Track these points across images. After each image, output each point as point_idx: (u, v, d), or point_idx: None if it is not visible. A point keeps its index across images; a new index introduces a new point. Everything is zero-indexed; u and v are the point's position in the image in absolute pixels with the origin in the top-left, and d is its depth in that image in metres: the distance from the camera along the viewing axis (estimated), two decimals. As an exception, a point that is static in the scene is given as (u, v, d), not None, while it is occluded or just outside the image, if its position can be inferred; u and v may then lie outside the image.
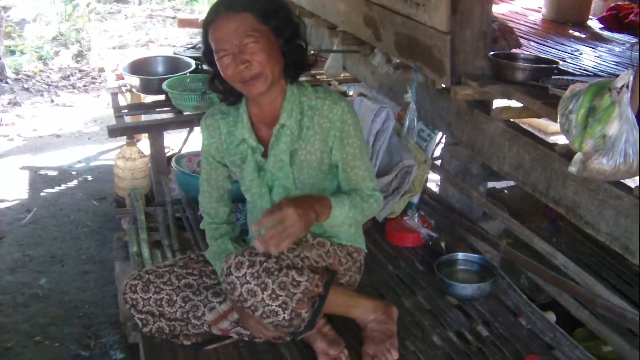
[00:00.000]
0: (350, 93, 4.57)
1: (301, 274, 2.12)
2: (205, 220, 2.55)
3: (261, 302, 2.06)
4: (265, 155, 2.31)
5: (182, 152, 4.36)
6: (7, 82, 7.35)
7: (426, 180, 3.41)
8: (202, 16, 6.74)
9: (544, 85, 2.51)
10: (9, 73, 7.53)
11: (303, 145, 2.27)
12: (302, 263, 2.20)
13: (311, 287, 2.13)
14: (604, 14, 4.42)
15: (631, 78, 1.92)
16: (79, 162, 5.43)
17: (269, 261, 2.08)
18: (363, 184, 2.30)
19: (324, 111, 2.24)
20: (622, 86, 1.91)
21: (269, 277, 2.06)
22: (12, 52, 8.15)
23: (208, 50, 2.20)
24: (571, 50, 3.60)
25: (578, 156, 2.02)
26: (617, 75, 1.95)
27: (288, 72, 2.24)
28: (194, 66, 4.42)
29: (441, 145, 3.62)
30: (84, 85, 7.50)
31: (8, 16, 8.73)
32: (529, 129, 3.32)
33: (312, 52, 4.48)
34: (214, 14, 2.13)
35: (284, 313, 2.08)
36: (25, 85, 7.35)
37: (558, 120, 2.10)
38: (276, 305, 2.07)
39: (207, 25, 2.15)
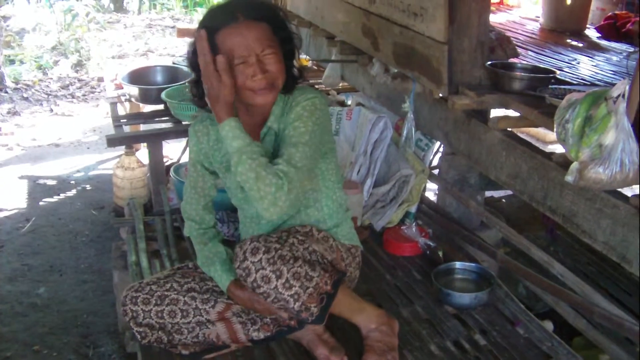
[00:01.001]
0: (349, 102, 4.58)
1: (313, 269, 2.14)
2: (190, 226, 2.52)
3: (274, 289, 2.08)
4: None
5: (180, 161, 4.37)
6: (6, 92, 7.36)
7: (424, 190, 3.42)
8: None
9: (541, 94, 2.52)
10: (9, 82, 7.54)
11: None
12: (310, 257, 2.20)
13: (321, 283, 2.15)
14: (602, 23, 4.45)
15: (627, 87, 1.93)
16: (78, 171, 5.43)
17: (283, 249, 2.10)
18: (277, 159, 2.12)
19: (293, 103, 2.24)
20: (619, 95, 1.92)
21: (285, 265, 2.08)
22: (12, 62, 8.17)
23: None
24: (569, 60, 3.62)
25: (574, 165, 2.03)
26: (614, 85, 1.96)
27: (287, 85, 2.25)
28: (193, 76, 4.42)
29: (439, 155, 3.63)
30: (83, 95, 7.51)
31: (8, 26, 8.77)
32: (528, 138, 3.33)
33: (309, 61, 4.49)
34: (230, 18, 2.11)
35: (295, 304, 2.11)
36: (25, 95, 7.37)
37: (555, 129, 2.11)
38: (288, 295, 2.09)
39: (220, 28, 2.12)
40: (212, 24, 2.14)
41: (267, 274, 2.07)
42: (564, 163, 2.26)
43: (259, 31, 2.12)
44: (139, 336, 2.37)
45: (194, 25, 7.83)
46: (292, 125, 2.18)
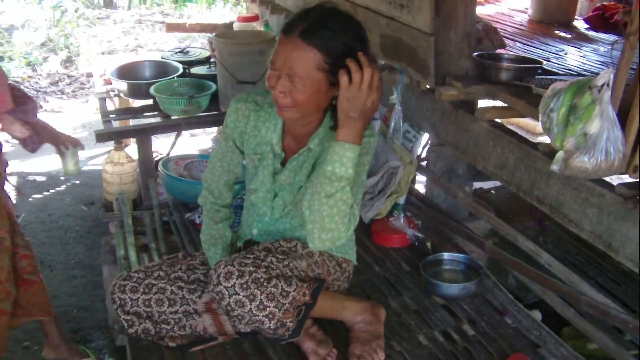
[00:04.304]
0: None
1: (289, 283, 2.14)
2: (206, 197, 2.50)
3: (248, 312, 2.08)
4: (283, 163, 2.32)
5: (169, 155, 4.36)
6: (-5, 88, 7.32)
7: (412, 181, 3.42)
8: (189, 20, 6.75)
9: (528, 85, 2.53)
10: (-2, 79, 7.50)
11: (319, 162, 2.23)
12: (291, 273, 2.20)
13: (298, 296, 2.15)
14: (590, 14, 4.45)
15: (612, 76, 1.93)
16: (68, 167, 5.40)
17: (258, 271, 2.09)
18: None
19: None
20: (603, 84, 1.92)
21: (258, 288, 2.07)
22: (1, 59, 8.13)
23: None
24: (556, 51, 3.63)
25: (560, 154, 2.03)
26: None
27: (334, 119, 2.16)
28: (181, 70, 4.42)
29: (427, 146, 3.63)
30: (73, 91, 7.48)
31: (-4, 22, 8.72)
32: (517, 129, 3.34)
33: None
34: (288, 28, 2.03)
35: (270, 323, 2.10)
36: (14, 92, 7.33)
37: (540, 119, 2.11)
38: (263, 316, 2.09)
39: (282, 30, 2.05)
40: (282, 29, 2.07)
41: (240, 299, 2.06)
42: (550, 153, 2.27)
43: (301, 55, 1.99)
44: (126, 324, 2.36)
45: (183, 20, 7.83)
46: None
